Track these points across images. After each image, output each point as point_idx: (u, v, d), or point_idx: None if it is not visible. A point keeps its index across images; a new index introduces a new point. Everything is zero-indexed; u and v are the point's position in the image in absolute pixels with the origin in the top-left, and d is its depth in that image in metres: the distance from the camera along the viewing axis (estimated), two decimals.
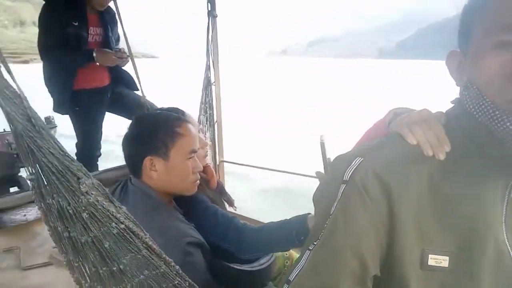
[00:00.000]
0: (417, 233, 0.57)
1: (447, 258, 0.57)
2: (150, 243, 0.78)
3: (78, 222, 0.73)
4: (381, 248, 0.57)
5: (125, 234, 0.75)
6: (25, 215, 2.80)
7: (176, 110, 1.26)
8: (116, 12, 2.60)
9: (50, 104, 2.58)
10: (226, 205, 1.50)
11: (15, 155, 2.61)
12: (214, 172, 1.41)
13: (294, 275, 0.60)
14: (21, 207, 2.78)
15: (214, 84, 2.34)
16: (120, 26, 2.56)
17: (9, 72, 0.70)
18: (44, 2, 2.38)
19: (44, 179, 0.72)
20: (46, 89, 2.57)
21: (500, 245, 0.58)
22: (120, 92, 2.75)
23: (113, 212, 0.74)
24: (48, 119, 3.26)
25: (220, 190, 1.44)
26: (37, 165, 0.72)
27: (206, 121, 2.26)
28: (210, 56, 2.25)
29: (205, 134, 2.27)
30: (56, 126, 3.31)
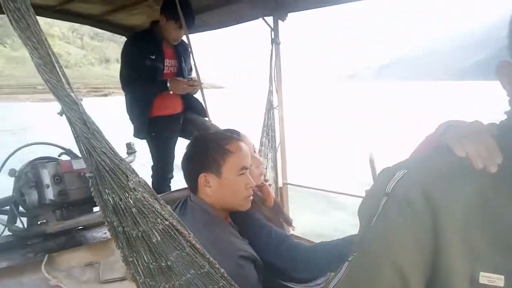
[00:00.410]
0: (465, 250, 0.53)
1: (502, 277, 0.53)
2: (194, 242, 0.82)
3: (129, 216, 0.79)
4: (425, 264, 0.54)
5: (169, 230, 0.79)
6: (105, 232, 3.04)
7: (231, 131, 1.33)
8: (188, 44, 2.83)
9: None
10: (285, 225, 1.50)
11: None
12: (270, 191, 1.42)
13: (331, 286, 0.59)
14: (102, 225, 3.04)
15: (277, 108, 2.39)
16: (191, 57, 2.76)
17: (68, 83, 0.79)
18: (126, 39, 2.68)
19: (100, 177, 0.80)
20: (128, 118, 2.84)
21: None
22: (191, 118, 2.93)
23: (158, 208, 0.79)
24: (129, 145, 3.54)
25: (277, 209, 1.44)
26: (95, 164, 0.80)
27: (268, 143, 2.31)
28: (273, 81, 2.33)
29: (267, 155, 2.31)
30: (136, 152, 3.59)
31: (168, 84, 2.61)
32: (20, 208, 2.59)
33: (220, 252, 0.98)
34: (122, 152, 3.54)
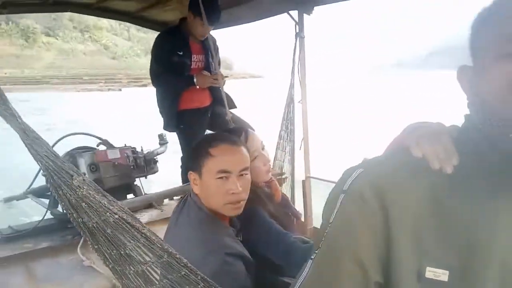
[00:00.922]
0: (414, 244, 0.56)
1: (447, 272, 0.55)
2: (149, 234, 0.88)
3: (82, 210, 0.87)
4: (380, 255, 0.57)
5: (120, 223, 0.86)
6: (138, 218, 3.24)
7: (240, 128, 1.35)
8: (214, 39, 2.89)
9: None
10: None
11: (131, 167, 3.04)
12: (278, 187, 1.45)
13: (298, 285, 0.61)
14: (136, 212, 3.23)
15: (300, 102, 2.41)
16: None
17: (2, 97, 0.88)
18: (156, 36, 2.80)
19: (50, 176, 0.89)
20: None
21: (509, 263, 0.54)
22: (219, 112, 3.01)
23: (105, 204, 0.86)
24: (161, 136, 3.69)
25: (285, 204, 1.48)
26: (44, 166, 0.90)
27: (287, 136, 2.34)
28: (296, 75, 2.34)
29: (285, 149, 2.34)
30: (167, 142, 3.74)
31: (195, 79, 2.70)
32: None
33: (208, 250, 1.03)
34: (154, 142, 3.71)
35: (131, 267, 0.87)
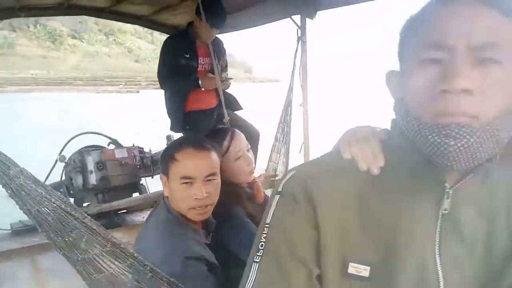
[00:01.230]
0: (340, 240, 0.59)
1: (368, 268, 0.58)
2: (90, 223, 0.91)
3: (24, 198, 0.92)
4: (316, 251, 0.59)
5: (59, 212, 0.89)
6: (143, 217, 3.31)
7: (223, 130, 1.40)
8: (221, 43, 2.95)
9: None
10: None
11: (138, 166, 3.12)
12: (261, 188, 1.47)
13: None
14: (142, 210, 3.30)
15: (302, 105, 2.43)
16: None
17: None
18: (164, 40, 2.88)
19: None
20: None
21: (426, 262, 0.56)
22: (223, 113, 3.06)
23: (42, 193, 0.90)
24: (169, 137, 3.77)
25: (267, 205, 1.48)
26: None
27: (283, 138, 2.35)
28: (296, 78, 2.36)
29: (280, 150, 2.36)
30: None
31: (200, 82, 2.75)
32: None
33: (169, 252, 1.05)
34: (163, 143, 3.79)
35: (79, 255, 0.91)
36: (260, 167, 2.95)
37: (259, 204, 1.45)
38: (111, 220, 2.97)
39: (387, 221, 0.58)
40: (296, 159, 2.62)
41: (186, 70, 2.82)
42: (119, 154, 3.04)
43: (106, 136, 3.30)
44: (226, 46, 3.10)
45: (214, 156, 1.18)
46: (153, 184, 3.59)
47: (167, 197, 1.19)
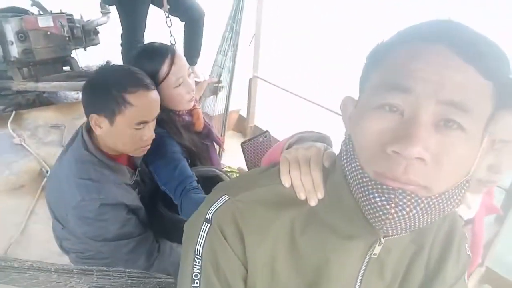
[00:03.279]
0: (268, 280, 0.58)
1: None
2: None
3: None
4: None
5: None
6: (77, 93, 3.11)
7: (164, 48, 1.22)
8: None
9: None
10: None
11: (67, 37, 2.79)
12: (201, 115, 1.41)
13: None
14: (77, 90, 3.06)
15: None
16: None
17: None
18: None
19: None
20: None
21: None
22: None
23: None
24: (103, 5, 3.30)
25: (207, 134, 1.46)
26: None
27: (230, 39, 2.15)
28: None
29: (226, 53, 2.20)
30: (110, 12, 3.34)
31: None
32: None
33: (83, 197, 1.01)
34: (96, 11, 3.34)
35: None
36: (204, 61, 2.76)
37: (197, 132, 1.41)
38: (39, 96, 2.77)
39: (314, 262, 0.58)
40: (245, 53, 2.46)
41: None
42: (43, 22, 2.66)
43: None
44: None
45: (157, 93, 1.11)
46: (86, 56, 3.29)
47: (89, 136, 1.08)
